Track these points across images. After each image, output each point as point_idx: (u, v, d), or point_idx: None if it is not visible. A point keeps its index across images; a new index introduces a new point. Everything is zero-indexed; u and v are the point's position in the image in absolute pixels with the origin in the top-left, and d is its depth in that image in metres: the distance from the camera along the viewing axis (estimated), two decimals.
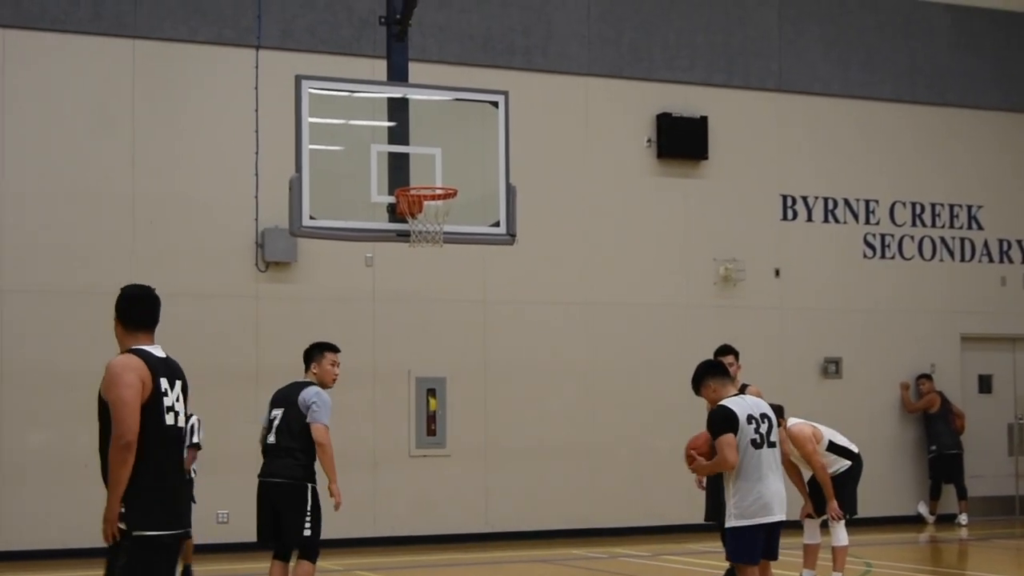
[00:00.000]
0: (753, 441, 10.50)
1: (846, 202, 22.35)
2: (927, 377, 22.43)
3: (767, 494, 10.53)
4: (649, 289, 20.90)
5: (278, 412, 11.98)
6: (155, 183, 18.47)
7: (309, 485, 11.65)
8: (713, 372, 11.14)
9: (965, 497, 22.15)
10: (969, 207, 23.21)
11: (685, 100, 21.25)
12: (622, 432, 20.48)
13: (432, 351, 19.62)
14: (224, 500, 18.14)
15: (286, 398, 12.00)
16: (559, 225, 20.34)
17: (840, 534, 13.89)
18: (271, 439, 11.94)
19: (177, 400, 7.87)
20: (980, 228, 23.26)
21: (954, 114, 23.14)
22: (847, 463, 14.10)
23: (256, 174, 18.08)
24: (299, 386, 12.01)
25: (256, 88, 18.18)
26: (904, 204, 22.77)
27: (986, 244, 23.30)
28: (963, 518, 21.99)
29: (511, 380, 19.95)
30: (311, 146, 13.03)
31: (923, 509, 22.27)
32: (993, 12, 23.54)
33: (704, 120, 21.24)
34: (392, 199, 13.23)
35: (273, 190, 16.77)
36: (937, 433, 22.21)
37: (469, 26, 20.14)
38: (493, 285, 19.98)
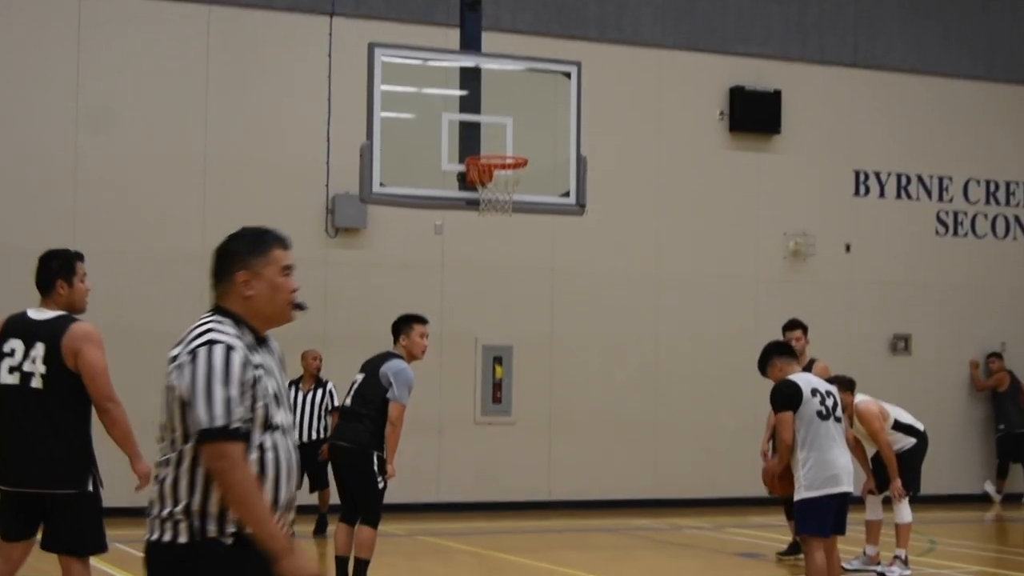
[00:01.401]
0: (819, 413, 10.50)
1: (919, 178, 22.19)
2: (997, 356, 22.28)
3: (836, 465, 10.53)
4: (719, 262, 20.85)
5: (359, 377, 12.04)
6: (228, 148, 18.59)
7: (375, 452, 11.69)
8: (779, 352, 11.14)
9: None
10: None
11: (759, 74, 21.14)
12: (688, 405, 20.46)
13: (499, 319, 19.67)
14: None
15: (371, 365, 12.03)
16: (629, 197, 20.32)
17: (904, 511, 13.85)
18: (347, 402, 12.01)
19: (27, 358, 8.31)
20: None
21: None
22: (912, 440, 14.05)
23: (328, 140, 18.16)
24: (386, 356, 12.01)
25: (329, 55, 18.24)
26: (978, 182, 22.58)
27: None
28: None
29: (578, 350, 19.97)
30: (383, 113, 13.10)
31: (990, 488, 22.15)
32: None
33: (777, 94, 21.13)
34: (462, 167, 13.29)
35: (344, 157, 16.85)
36: (1006, 412, 22.08)
37: None
38: (561, 255, 19.99)
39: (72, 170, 18.01)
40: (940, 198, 22.33)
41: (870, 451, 14.10)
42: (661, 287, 20.55)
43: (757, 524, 17.90)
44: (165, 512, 5.01)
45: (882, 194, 21.96)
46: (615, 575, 13.94)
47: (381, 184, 13.08)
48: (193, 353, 5.02)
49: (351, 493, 11.90)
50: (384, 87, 13.13)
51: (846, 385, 13.50)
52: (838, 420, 10.70)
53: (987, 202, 22.64)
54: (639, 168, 20.49)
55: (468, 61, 13.73)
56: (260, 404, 5.03)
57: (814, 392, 10.61)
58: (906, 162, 22.11)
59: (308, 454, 15.95)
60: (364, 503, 11.78)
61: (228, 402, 4.92)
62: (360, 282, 18.92)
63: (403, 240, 19.11)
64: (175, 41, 18.51)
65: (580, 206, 13.80)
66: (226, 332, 5.09)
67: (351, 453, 11.78)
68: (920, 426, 14.22)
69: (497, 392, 19.64)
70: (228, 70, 18.67)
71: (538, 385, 19.80)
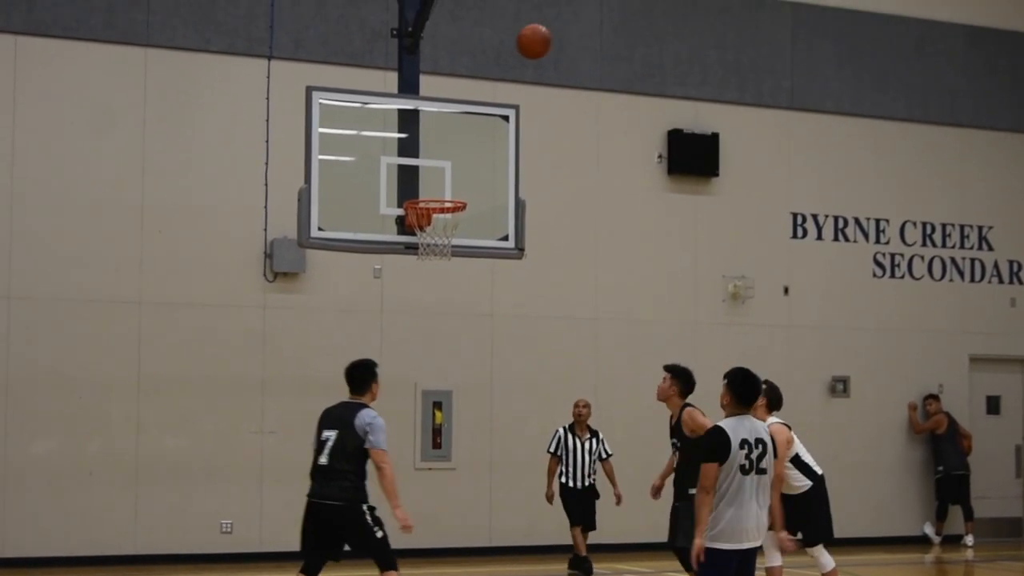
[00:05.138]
0: (742, 467, 10.08)
1: (856, 221, 22.30)
2: (935, 397, 22.36)
3: (744, 519, 10.15)
4: (657, 305, 20.85)
5: (331, 433, 11.82)
6: (165, 192, 18.45)
7: (364, 505, 11.67)
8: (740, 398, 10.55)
9: (971, 518, 22.06)
10: (980, 228, 23.16)
11: (696, 116, 21.21)
12: (628, 448, 20.38)
13: (439, 364, 19.58)
14: (228, 510, 18.14)
15: (341, 419, 11.85)
16: (568, 240, 20.31)
17: (824, 559, 13.63)
18: (323, 460, 11.78)
19: None
20: (990, 249, 23.20)
21: (966, 134, 23.09)
22: (808, 483, 13.71)
23: (265, 184, 18.06)
24: (354, 407, 11.89)
25: (267, 98, 18.16)
26: (914, 224, 22.72)
27: (996, 265, 23.24)
28: (969, 539, 21.90)
29: (518, 394, 19.90)
30: (321, 157, 13.05)
31: (929, 530, 22.19)
32: (1008, 33, 23.49)
33: (715, 137, 21.21)
34: (401, 211, 13.25)
35: (282, 200, 16.75)
36: (944, 454, 22.13)
37: (481, 39, 20.12)
38: (501, 299, 19.94)
39: (8, 215, 17.81)
40: (877, 240, 22.44)
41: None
42: (600, 330, 20.53)
43: None
44: None
45: (819, 236, 22.05)
46: None
47: (319, 228, 13.02)
48: None
49: (338, 550, 11.83)
50: (322, 130, 13.09)
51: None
52: (761, 472, 10.28)
53: (923, 244, 22.77)
54: (578, 211, 20.49)
55: (406, 104, 13.71)
56: None
57: (742, 444, 10.18)
58: (843, 204, 22.22)
59: (581, 499, 17.78)
60: (374, 557, 11.71)
61: None
62: (299, 327, 18.79)
63: (342, 284, 19.01)
64: (111, 83, 18.37)
65: (519, 250, 13.77)
66: None
67: (342, 511, 11.67)
68: (819, 470, 13.77)
69: (437, 437, 19.53)
70: (165, 113, 18.54)
71: (478, 430, 19.70)
